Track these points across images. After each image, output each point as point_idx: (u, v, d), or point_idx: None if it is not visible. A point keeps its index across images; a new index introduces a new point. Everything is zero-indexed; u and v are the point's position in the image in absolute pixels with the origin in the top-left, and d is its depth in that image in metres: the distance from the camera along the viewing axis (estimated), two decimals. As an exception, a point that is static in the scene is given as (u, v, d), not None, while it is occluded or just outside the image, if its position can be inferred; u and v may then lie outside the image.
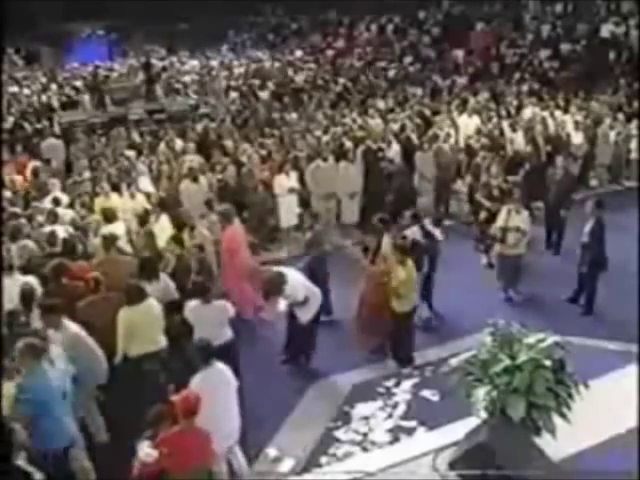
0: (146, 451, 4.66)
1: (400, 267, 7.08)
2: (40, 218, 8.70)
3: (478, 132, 12.27)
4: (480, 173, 10.58)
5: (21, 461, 4.41)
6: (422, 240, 8.02)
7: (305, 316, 7.06)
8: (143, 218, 8.47)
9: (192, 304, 6.44)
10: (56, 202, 9.28)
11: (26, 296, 6.27)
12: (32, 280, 6.75)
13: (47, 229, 8.16)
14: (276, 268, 7.15)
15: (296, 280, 6.94)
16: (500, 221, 8.63)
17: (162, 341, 6.35)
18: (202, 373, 5.25)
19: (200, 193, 9.98)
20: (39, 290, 6.66)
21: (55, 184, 10.47)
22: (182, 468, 4.75)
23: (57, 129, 15.77)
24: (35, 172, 11.23)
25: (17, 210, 9.19)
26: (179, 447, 4.72)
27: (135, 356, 6.20)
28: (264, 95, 18.55)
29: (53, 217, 8.57)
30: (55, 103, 18.82)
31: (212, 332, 6.11)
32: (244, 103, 17.99)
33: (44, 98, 19.28)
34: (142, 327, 6.16)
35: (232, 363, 6.01)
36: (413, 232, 8.19)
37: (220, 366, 5.39)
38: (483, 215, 9.70)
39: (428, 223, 8.42)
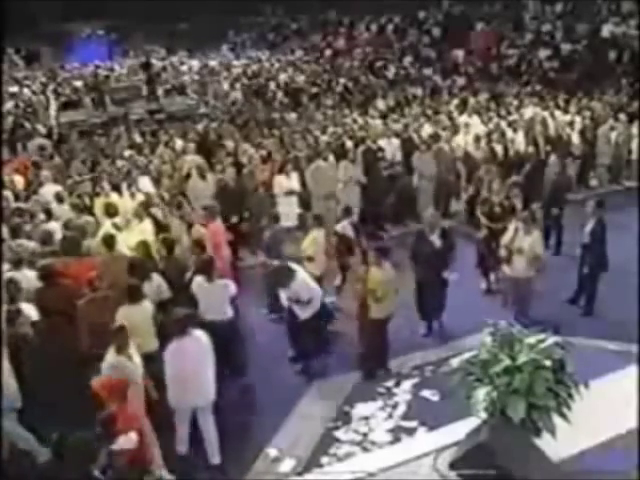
0: (126, 439, 4.82)
1: (376, 268, 6.89)
2: (41, 216, 8.73)
3: (477, 139, 11.93)
4: (482, 186, 9.91)
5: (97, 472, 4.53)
6: (352, 235, 8.00)
7: (304, 313, 7.08)
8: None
9: (197, 280, 6.83)
10: (59, 198, 9.37)
11: (10, 292, 6.36)
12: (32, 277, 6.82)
13: (43, 226, 8.22)
14: (288, 263, 7.20)
15: (303, 279, 7.01)
16: (506, 238, 8.03)
17: (155, 343, 6.35)
18: (176, 341, 5.64)
19: (207, 191, 10.05)
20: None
21: (48, 177, 10.55)
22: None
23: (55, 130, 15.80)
24: (36, 164, 11.35)
25: (21, 205, 9.27)
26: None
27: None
28: (279, 94, 18.52)
29: (48, 214, 8.66)
30: (53, 103, 18.87)
31: (215, 308, 6.73)
32: (244, 102, 18.04)
33: (42, 97, 19.31)
34: (140, 326, 6.17)
35: (233, 339, 6.85)
36: (343, 227, 8.27)
37: (196, 334, 5.76)
38: (483, 233, 9.07)
39: (436, 238, 7.78)
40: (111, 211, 8.64)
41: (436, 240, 7.70)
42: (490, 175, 9.97)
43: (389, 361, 7.34)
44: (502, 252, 8.05)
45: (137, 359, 5.66)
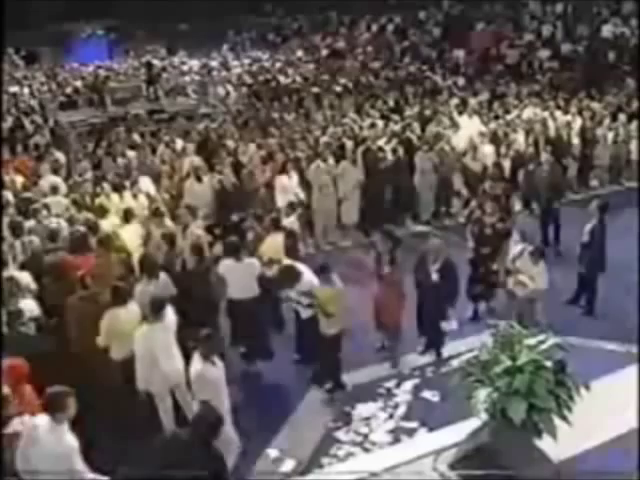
0: (19, 422, 4.93)
1: (324, 284, 6.67)
2: (44, 212, 8.79)
3: (474, 149, 11.53)
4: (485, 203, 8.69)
5: None
6: (299, 231, 8.01)
7: (306, 312, 7.07)
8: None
9: (226, 262, 7.25)
10: (54, 190, 9.59)
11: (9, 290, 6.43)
12: (26, 276, 6.89)
13: (50, 222, 8.31)
14: (297, 264, 7.20)
15: (309, 282, 6.94)
16: (510, 255, 7.72)
17: None
18: (149, 325, 5.98)
19: (204, 192, 10.07)
20: (32, 286, 6.89)
21: (47, 169, 10.75)
22: None
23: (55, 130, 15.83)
24: (36, 159, 11.66)
25: (29, 195, 9.44)
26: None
27: (120, 359, 6.22)
28: (279, 94, 18.46)
29: (47, 208, 8.82)
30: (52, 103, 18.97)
31: (243, 285, 7.18)
32: (244, 102, 18.05)
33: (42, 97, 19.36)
34: (126, 328, 6.21)
35: (260, 317, 7.30)
36: (291, 222, 8.36)
37: (168, 316, 6.08)
38: (470, 255, 8.34)
39: (435, 270, 7.23)
40: (99, 213, 8.70)
41: (434, 274, 7.19)
42: (494, 191, 9.21)
43: (341, 378, 7.03)
44: (508, 264, 7.72)
45: (220, 364, 5.69)
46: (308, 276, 6.99)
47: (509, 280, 7.67)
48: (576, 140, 12.85)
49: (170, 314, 6.16)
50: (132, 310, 6.34)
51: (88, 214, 8.74)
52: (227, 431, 5.63)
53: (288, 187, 10.51)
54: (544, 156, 10.77)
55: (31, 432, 4.64)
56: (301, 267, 7.08)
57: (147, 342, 5.92)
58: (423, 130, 12.85)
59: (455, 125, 13.12)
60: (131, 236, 8.24)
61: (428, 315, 7.43)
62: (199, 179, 10.22)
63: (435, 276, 7.17)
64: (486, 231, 8.15)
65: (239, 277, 7.17)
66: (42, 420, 4.63)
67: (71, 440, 4.58)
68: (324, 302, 6.60)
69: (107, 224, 8.39)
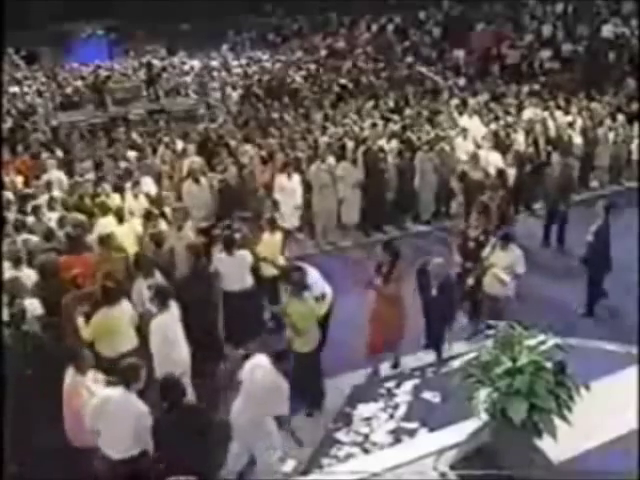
0: None
1: (295, 299, 6.58)
2: (44, 209, 8.83)
3: (474, 157, 11.15)
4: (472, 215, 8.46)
5: None
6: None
7: None
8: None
9: (219, 255, 7.61)
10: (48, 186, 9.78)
11: (14, 291, 6.48)
12: (32, 274, 6.93)
13: (49, 219, 8.43)
14: (299, 263, 7.24)
15: (313, 278, 6.96)
16: (484, 254, 7.71)
17: (133, 341, 6.45)
18: (160, 315, 6.27)
19: (202, 194, 10.05)
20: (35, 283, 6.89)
21: (53, 164, 10.93)
22: None
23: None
24: (35, 156, 11.83)
25: (30, 191, 9.59)
26: None
27: (113, 356, 6.19)
28: (279, 94, 18.39)
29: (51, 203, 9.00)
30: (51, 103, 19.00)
31: (236, 278, 7.53)
32: (244, 103, 18.05)
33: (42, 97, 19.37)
34: (119, 327, 6.27)
35: (254, 304, 7.61)
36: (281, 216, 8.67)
37: (173, 307, 6.38)
38: (456, 271, 7.98)
39: (435, 286, 7.31)
40: (104, 210, 8.74)
41: (434, 290, 7.30)
42: (492, 202, 8.97)
43: (323, 401, 6.92)
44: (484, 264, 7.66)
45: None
46: (312, 278, 6.97)
47: (484, 280, 7.57)
48: (578, 140, 12.85)
49: (174, 305, 6.42)
50: (124, 309, 6.40)
51: (79, 215, 8.70)
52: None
53: (287, 187, 10.52)
54: (555, 157, 10.76)
55: (100, 406, 5.10)
56: (309, 267, 7.08)
57: (161, 332, 6.20)
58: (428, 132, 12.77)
59: (462, 130, 12.90)
60: (128, 236, 8.25)
61: (433, 322, 7.52)
62: (197, 181, 10.22)
63: (434, 292, 7.30)
64: (469, 245, 7.95)
65: (232, 270, 7.49)
66: (113, 391, 5.15)
67: (142, 406, 5.08)
68: (294, 319, 6.51)
69: (107, 223, 8.40)
